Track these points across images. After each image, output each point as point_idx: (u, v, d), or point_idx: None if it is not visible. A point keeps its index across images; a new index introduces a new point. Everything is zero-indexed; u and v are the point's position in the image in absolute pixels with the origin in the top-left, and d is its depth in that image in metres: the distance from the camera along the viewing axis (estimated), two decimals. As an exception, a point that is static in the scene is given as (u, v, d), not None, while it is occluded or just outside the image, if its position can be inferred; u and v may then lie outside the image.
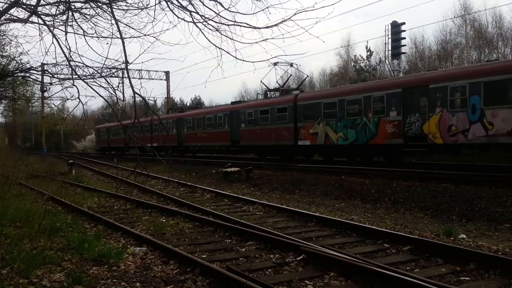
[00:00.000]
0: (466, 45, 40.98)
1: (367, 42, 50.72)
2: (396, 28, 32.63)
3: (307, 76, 35.86)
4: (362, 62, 46.83)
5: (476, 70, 15.47)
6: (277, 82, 29.15)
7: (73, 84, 6.35)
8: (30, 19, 6.26)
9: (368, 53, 46.24)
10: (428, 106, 16.50)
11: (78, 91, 6.16)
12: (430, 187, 12.86)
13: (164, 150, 8.22)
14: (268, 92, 29.65)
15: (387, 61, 35.75)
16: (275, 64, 26.17)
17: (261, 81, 38.76)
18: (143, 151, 6.82)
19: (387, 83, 18.78)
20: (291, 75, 29.03)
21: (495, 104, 14.46)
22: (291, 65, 27.13)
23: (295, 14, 5.38)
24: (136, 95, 5.73)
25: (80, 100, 6.20)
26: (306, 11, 5.32)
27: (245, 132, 26.83)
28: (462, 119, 15.38)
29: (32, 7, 6.09)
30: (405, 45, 34.75)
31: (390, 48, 33.47)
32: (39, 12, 6.14)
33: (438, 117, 16.10)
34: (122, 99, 6.59)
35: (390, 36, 33.15)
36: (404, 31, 32.89)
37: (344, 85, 31.71)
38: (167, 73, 53.57)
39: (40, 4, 6.15)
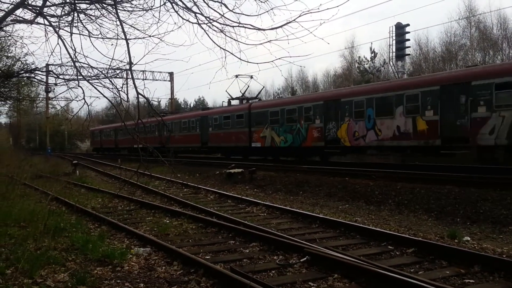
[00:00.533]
0: (471, 47, 40.90)
1: (371, 43, 50.88)
2: (400, 30, 32.58)
3: (263, 87, 41.59)
4: (366, 64, 46.81)
5: (370, 89, 19.99)
6: (240, 91, 32.75)
7: (79, 85, 6.38)
8: (35, 20, 6.29)
9: (372, 55, 46.23)
10: (340, 116, 20.53)
11: (84, 92, 6.19)
12: (434, 189, 12.82)
13: (167, 151, 8.24)
14: (230, 100, 33.48)
15: (391, 63, 35.69)
16: (236, 76, 30.68)
17: (226, 91, 44.13)
18: (142, 152, 6.82)
19: (313, 96, 23.85)
20: (248, 86, 32.92)
21: (382, 115, 18.41)
22: (251, 77, 31.81)
23: (300, 16, 5.38)
24: (140, 96, 5.75)
25: (85, 101, 6.23)
26: (311, 12, 5.32)
27: (212, 135, 30.54)
28: (362, 127, 19.41)
29: (38, 8, 6.11)
30: (409, 47, 34.71)
31: (394, 50, 33.43)
32: (44, 13, 6.16)
33: (347, 125, 20.16)
34: (126, 100, 6.60)
35: (394, 37, 33.11)
36: (409, 32, 32.86)
37: (286, 97, 40.46)
38: (171, 74, 53.66)
39: (45, 5, 6.18)
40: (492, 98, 14.56)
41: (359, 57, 48.95)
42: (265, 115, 25.39)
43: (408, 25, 32.65)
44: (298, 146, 22.91)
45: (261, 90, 36.31)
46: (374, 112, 18.72)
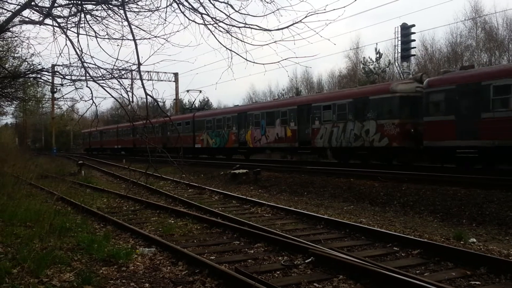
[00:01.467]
0: (477, 48, 40.73)
1: (377, 44, 50.75)
2: (405, 30, 32.54)
3: (208, 100, 52.13)
4: (371, 64, 46.67)
5: (263, 106, 29.03)
6: (193, 103, 44.73)
7: (87, 85, 6.40)
8: (43, 21, 6.32)
9: (378, 55, 46.08)
10: (247, 124, 27.89)
11: (92, 92, 6.21)
12: (439, 191, 12.78)
13: (175, 151, 8.28)
14: (190, 108, 41.62)
15: (396, 63, 35.60)
16: (187, 91, 39.70)
17: (185, 102, 48.85)
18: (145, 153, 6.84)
19: (232, 110, 31.82)
20: (195, 99, 40.46)
21: (269, 125, 25.68)
22: (200, 91, 40.49)
23: (306, 17, 5.38)
24: (147, 96, 5.76)
25: (93, 102, 6.25)
26: (317, 13, 5.32)
27: (170, 138, 37.26)
28: (258, 133, 26.68)
29: (47, 9, 6.15)
30: (414, 48, 34.67)
31: (399, 50, 33.36)
32: (53, 14, 6.19)
33: (250, 131, 27.47)
34: (133, 100, 6.62)
35: (399, 38, 33.05)
36: (414, 33, 32.82)
37: (217, 109, 48.46)
38: (176, 74, 53.74)
39: (53, 6, 6.21)
40: (321, 116, 21.95)
41: (364, 57, 48.86)
42: (203, 122, 32.99)
43: (413, 25, 32.60)
44: (223, 147, 30.71)
45: (207, 102, 45.20)
46: (265, 122, 26.13)
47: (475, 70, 17.49)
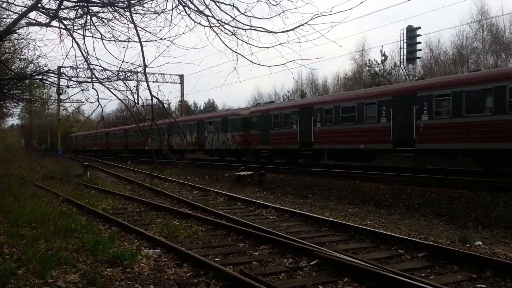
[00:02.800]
0: (483, 50, 40.56)
1: (382, 46, 50.25)
2: (411, 33, 32.44)
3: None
4: (377, 67, 46.55)
5: (183, 120, 37.39)
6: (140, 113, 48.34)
7: (93, 87, 6.42)
8: (50, 23, 6.35)
9: (383, 58, 45.93)
10: (203, 130, 33.52)
11: (98, 94, 6.23)
12: (445, 193, 12.72)
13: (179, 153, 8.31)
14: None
15: (402, 66, 35.51)
16: (142, 106, 41.67)
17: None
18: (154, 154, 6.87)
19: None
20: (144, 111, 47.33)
21: (190, 133, 34.37)
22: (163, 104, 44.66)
23: (312, 19, 5.38)
24: (153, 98, 5.77)
25: (99, 103, 6.27)
26: (322, 15, 5.32)
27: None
28: (178, 139, 35.02)
29: (53, 11, 6.17)
30: (420, 50, 34.54)
31: (405, 53, 33.27)
32: (59, 16, 6.22)
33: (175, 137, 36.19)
34: (138, 102, 6.64)
35: (405, 40, 32.95)
36: (420, 35, 32.71)
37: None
38: (181, 76, 53.90)
39: (60, 8, 6.23)
40: (208, 128, 32.19)
41: (369, 60, 48.76)
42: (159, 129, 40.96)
43: (419, 28, 32.49)
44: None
45: (166, 112, 51.65)
46: (188, 131, 34.27)
47: (267, 106, 29.27)
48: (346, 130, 20.67)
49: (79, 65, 7.26)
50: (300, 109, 23.98)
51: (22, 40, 12.16)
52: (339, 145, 21.30)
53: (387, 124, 18.55)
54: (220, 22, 5.99)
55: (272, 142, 25.79)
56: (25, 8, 6.52)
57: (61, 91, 16.01)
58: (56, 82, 10.59)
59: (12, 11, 8.31)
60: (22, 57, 15.72)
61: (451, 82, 16.81)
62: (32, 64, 13.53)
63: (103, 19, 6.87)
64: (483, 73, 17.46)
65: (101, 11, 6.76)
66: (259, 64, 6.03)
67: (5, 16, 12.01)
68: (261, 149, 26.88)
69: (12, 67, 15.50)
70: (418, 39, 32.92)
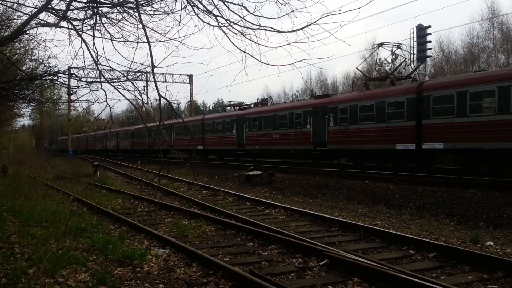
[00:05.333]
0: (494, 49, 40.19)
1: (392, 45, 49.94)
2: (421, 31, 32.16)
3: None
4: (387, 66, 46.30)
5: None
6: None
7: (101, 87, 6.45)
8: (59, 24, 6.39)
9: (393, 57, 45.66)
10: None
11: (106, 95, 6.25)
12: (456, 193, 12.62)
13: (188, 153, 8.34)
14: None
15: (412, 65, 35.26)
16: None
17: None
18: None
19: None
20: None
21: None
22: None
23: (320, 18, 5.35)
24: (161, 98, 5.79)
25: (107, 103, 6.29)
26: (331, 14, 5.29)
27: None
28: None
29: (62, 12, 6.21)
30: (430, 49, 34.22)
31: (415, 52, 33.00)
32: (68, 17, 6.26)
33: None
34: (147, 102, 6.66)
35: (415, 39, 32.70)
36: (430, 34, 32.40)
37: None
38: (190, 76, 53.97)
39: (69, 9, 6.27)
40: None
41: (380, 59, 48.51)
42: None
43: (429, 26, 32.19)
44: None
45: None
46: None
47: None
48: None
49: (89, 65, 7.30)
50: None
51: (33, 41, 12.26)
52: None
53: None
54: (228, 22, 5.99)
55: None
56: (36, 9, 6.57)
57: (71, 92, 16.08)
58: (66, 83, 10.64)
59: (22, 12, 8.38)
60: (32, 57, 15.84)
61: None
62: (43, 65, 13.64)
63: (113, 20, 6.90)
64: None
65: (110, 11, 6.80)
66: (268, 64, 6.02)
67: (15, 17, 12.13)
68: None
69: (23, 67, 15.63)
70: (429, 37, 32.63)
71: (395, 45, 26.76)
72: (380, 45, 26.30)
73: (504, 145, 14.67)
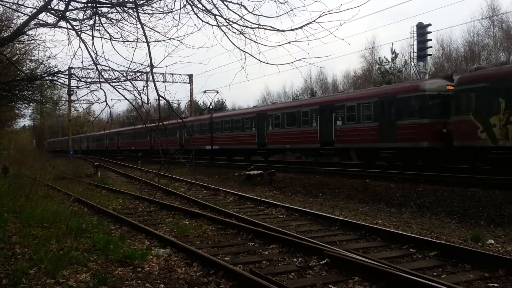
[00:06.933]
0: (494, 47, 40.15)
1: (392, 44, 49.76)
2: (422, 30, 32.10)
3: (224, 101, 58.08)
4: (387, 64, 46.24)
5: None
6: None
7: (101, 88, 6.44)
8: (58, 24, 6.38)
9: (393, 55, 45.62)
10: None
11: (105, 95, 6.24)
12: (457, 192, 12.60)
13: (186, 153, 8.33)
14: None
15: (412, 63, 35.22)
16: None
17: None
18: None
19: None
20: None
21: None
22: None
23: (320, 17, 5.33)
24: (161, 98, 5.78)
25: (107, 103, 6.29)
26: (331, 13, 5.27)
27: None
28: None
29: (61, 12, 6.20)
30: (431, 47, 34.15)
31: (415, 50, 32.95)
32: (67, 17, 6.25)
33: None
34: (147, 102, 6.65)
35: (415, 37, 32.64)
36: (430, 32, 32.34)
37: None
38: (190, 76, 53.91)
39: (68, 9, 6.26)
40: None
41: (380, 57, 48.44)
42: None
43: (429, 25, 32.15)
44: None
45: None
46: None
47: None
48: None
49: (88, 66, 7.30)
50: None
51: (32, 41, 12.25)
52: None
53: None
54: (228, 21, 5.98)
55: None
56: (35, 10, 6.56)
57: (71, 92, 16.11)
58: (67, 83, 10.64)
59: (22, 13, 8.36)
60: (32, 58, 15.83)
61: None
62: (43, 65, 13.64)
63: (112, 20, 6.89)
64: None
65: (109, 11, 6.78)
66: (267, 63, 6.00)
67: (15, 18, 12.11)
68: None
69: (23, 68, 15.64)
70: (429, 36, 32.56)
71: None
72: None
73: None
